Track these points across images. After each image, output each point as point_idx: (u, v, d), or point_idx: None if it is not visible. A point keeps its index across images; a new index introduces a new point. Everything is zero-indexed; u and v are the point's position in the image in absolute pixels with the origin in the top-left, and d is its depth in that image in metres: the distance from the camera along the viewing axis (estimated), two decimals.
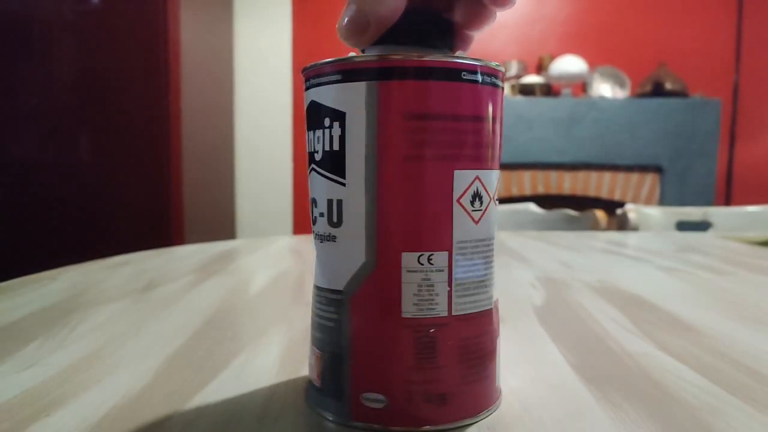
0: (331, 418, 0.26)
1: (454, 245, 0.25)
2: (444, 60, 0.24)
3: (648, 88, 2.77)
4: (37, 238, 2.02)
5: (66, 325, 0.41)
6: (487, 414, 0.26)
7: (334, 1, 2.94)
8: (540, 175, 2.81)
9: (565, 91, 2.78)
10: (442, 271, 0.25)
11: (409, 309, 0.25)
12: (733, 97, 2.93)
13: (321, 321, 0.27)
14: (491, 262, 0.27)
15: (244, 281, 0.58)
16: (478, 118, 0.25)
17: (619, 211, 1.35)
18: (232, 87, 2.89)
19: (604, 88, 2.86)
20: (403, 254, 0.24)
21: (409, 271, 0.24)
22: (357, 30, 0.24)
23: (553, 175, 2.81)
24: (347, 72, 0.24)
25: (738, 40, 2.92)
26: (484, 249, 0.26)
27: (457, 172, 0.24)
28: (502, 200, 2.56)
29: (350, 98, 0.24)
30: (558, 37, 2.95)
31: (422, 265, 0.24)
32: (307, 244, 0.85)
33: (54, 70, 1.98)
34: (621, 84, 2.86)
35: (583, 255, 0.77)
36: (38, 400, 0.28)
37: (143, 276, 0.60)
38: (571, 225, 1.28)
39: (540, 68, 2.92)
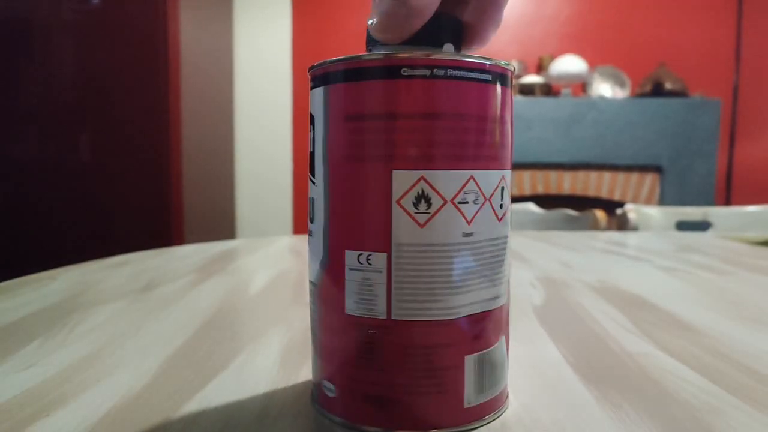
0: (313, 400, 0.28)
1: (393, 247, 0.24)
2: (377, 59, 0.23)
3: (648, 88, 2.77)
4: (37, 238, 2.02)
5: (66, 325, 0.41)
6: None
7: (334, 1, 2.94)
8: (540, 175, 2.81)
9: (565, 91, 2.78)
10: (381, 272, 0.24)
11: (351, 306, 0.25)
12: (733, 97, 2.93)
13: (310, 310, 0.28)
14: (454, 270, 0.24)
15: (244, 281, 0.58)
16: (426, 115, 0.23)
17: (619, 211, 1.35)
18: (232, 87, 2.89)
19: (604, 88, 2.86)
20: (346, 252, 0.25)
21: (351, 269, 0.25)
22: (395, 22, 0.23)
23: (553, 175, 2.81)
24: (314, 78, 0.26)
25: (738, 40, 2.92)
26: (434, 255, 0.24)
27: (395, 173, 0.24)
28: None
29: (316, 102, 0.26)
30: (558, 37, 2.95)
31: (362, 264, 0.25)
32: (307, 243, 0.85)
33: (54, 71, 1.98)
34: (621, 84, 2.86)
35: (583, 255, 0.77)
36: (38, 400, 0.28)
37: (143, 276, 0.60)
38: (571, 225, 1.28)
39: (540, 68, 2.92)
